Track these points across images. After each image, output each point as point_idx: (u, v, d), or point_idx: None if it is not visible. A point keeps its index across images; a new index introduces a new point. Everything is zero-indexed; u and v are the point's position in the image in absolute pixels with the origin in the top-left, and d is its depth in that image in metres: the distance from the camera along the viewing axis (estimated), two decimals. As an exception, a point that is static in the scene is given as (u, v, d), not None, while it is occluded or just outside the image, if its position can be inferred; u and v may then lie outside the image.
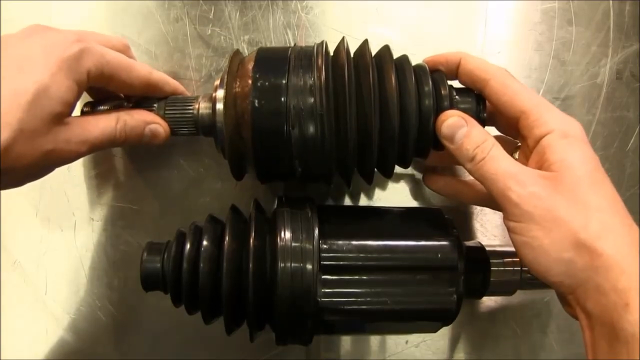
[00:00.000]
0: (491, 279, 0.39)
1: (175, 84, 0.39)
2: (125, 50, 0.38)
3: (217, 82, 0.35)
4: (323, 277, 0.34)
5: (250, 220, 0.36)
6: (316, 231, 0.35)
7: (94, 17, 0.43)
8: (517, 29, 0.45)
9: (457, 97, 0.36)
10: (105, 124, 0.35)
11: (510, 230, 0.32)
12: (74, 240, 0.44)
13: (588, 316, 0.30)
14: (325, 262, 0.34)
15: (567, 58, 0.45)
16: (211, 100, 0.36)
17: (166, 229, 0.40)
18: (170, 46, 0.43)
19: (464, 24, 0.45)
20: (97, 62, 0.33)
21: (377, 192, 0.45)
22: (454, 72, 0.36)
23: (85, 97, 0.39)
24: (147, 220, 0.44)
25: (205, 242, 0.35)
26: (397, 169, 0.38)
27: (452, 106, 0.35)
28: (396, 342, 0.46)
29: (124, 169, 0.44)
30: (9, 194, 0.43)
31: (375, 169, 0.37)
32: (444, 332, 0.46)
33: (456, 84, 0.37)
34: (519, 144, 0.36)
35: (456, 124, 0.34)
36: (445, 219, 0.39)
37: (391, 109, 0.34)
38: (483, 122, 0.36)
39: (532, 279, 0.40)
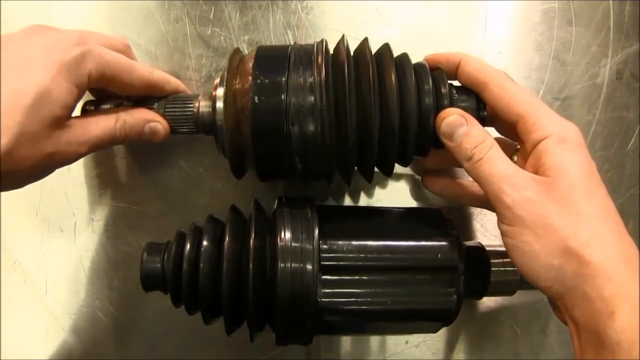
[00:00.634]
0: (491, 279, 0.39)
1: (176, 83, 0.39)
2: (125, 50, 0.38)
3: (217, 81, 0.35)
4: (323, 277, 0.34)
5: (250, 221, 0.36)
6: (316, 231, 0.35)
7: (94, 17, 0.43)
8: (517, 29, 0.45)
9: (457, 95, 0.36)
10: (105, 123, 0.35)
11: (502, 233, 0.32)
12: (74, 240, 0.44)
13: (575, 323, 0.30)
14: (325, 263, 0.34)
15: (567, 58, 0.45)
16: (211, 98, 0.36)
17: (166, 229, 0.40)
18: (170, 46, 0.43)
19: (464, 24, 0.45)
20: (98, 65, 0.33)
21: (377, 192, 0.45)
22: (454, 72, 0.36)
23: (87, 97, 0.39)
24: (147, 221, 0.44)
25: (205, 243, 0.35)
26: (397, 169, 0.38)
27: (452, 104, 0.35)
28: (396, 342, 0.46)
29: (124, 169, 0.44)
30: (9, 194, 0.43)
31: (376, 168, 0.37)
32: (444, 333, 0.46)
33: (456, 82, 0.37)
34: (519, 146, 0.36)
35: (456, 122, 0.34)
36: (445, 219, 0.39)
37: (391, 105, 0.34)
38: (483, 121, 0.36)
39: (532, 279, 0.40)
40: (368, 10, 0.44)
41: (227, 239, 0.35)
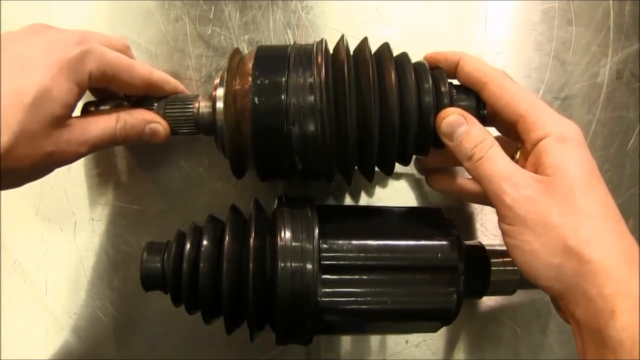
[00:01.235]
0: (491, 279, 0.39)
1: (175, 83, 0.39)
2: (125, 50, 0.38)
3: (217, 81, 0.35)
4: (323, 276, 0.34)
5: (251, 220, 0.36)
6: (316, 231, 0.35)
7: (94, 17, 0.43)
8: (517, 29, 0.45)
9: (456, 94, 0.36)
10: (105, 123, 0.35)
11: (503, 232, 0.32)
12: (74, 240, 0.44)
13: (577, 322, 0.30)
14: (325, 262, 0.34)
15: (567, 58, 0.45)
16: (211, 98, 0.36)
17: (166, 228, 0.40)
18: (170, 46, 0.43)
19: (464, 24, 0.45)
20: (98, 64, 0.33)
21: (378, 191, 0.45)
22: (453, 71, 0.36)
23: (87, 97, 0.39)
24: (147, 220, 0.44)
25: (205, 242, 0.35)
26: (398, 168, 0.38)
27: (452, 103, 0.35)
28: (396, 342, 0.46)
29: (124, 169, 0.44)
30: (9, 194, 0.43)
31: (376, 167, 0.37)
32: (444, 332, 0.46)
33: (456, 81, 0.37)
34: (519, 146, 0.36)
35: (456, 122, 0.34)
36: (445, 219, 0.39)
37: (391, 104, 0.34)
38: (483, 120, 0.36)
39: (532, 279, 0.40)
40: (368, 10, 0.44)
41: (227, 238, 0.35)
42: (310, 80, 0.33)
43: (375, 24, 0.44)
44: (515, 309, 0.46)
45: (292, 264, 0.34)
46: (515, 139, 0.37)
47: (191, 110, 0.37)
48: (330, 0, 0.44)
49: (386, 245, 0.36)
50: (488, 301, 0.46)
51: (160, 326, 0.44)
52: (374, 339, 0.46)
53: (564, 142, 0.31)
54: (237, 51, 0.37)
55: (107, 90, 0.37)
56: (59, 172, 0.43)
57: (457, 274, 0.36)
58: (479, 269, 0.39)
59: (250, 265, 0.34)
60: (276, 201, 0.38)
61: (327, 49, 0.35)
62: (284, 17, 0.43)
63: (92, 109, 0.37)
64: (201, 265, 0.35)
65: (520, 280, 0.39)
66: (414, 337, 0.46)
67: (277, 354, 0.45)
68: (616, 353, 0.27)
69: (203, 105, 0.37)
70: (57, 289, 0.44)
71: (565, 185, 0.30)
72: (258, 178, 0.37)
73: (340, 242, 0.36)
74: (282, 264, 0.34)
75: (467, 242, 0.40)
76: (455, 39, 0.45)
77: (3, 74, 0.30)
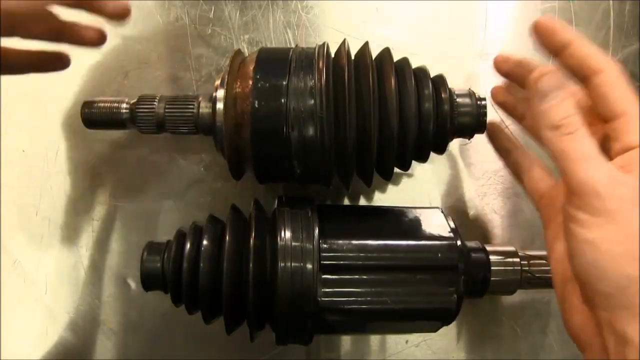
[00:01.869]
0: (491, 278, 0.39)
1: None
2: None
3: (218, 82, 0.35)
4: (323, 276, 0.34)
5: (251, 220, 0.36)
6: (316, 231, 0.35)
7: (93, 17, 0.43)
8: (517, 29, 0.45)
9: (457, 99, 0.36)
10: None
11: (575, 220, 0.28)
12: (74, 239, 0.44)
13: (623, 341, 0.27)
14: (325, 262, 0.34)
15: (567, 58, 0.45)
16: (211, 100, 0.36)
17: (166, 228, 0.40)
18: (170, 46, 0.43)
19: (464, 24, 0.45)
20: None
21: (377, 195, 0.45)
22: (557, 50, 0.33)
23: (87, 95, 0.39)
24: (147, 220, 0.44)
25: (205, 242, 0.35)
26: (397, 171, 0.38)
27: (452, 110, 0.35)
28: (396, 342, 0.45)
29: (124, 168, 0.44)
30: (9, 193, 0.43)
31: (375, 172, 0.37)
32: (444, 332, 0.46)
33: (457, 85, 0.37)
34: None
35: (555, 83, 0.30)
36: (446, 219, 0.39)
37: (390, 110, 0.34)
38: (484, 127, 0.36)
39: (532, 279, 0.40)
40: (368, 10, 0.44)
41: (227, 238, 0.35)
42: (311, 84, 0.33)
43: (375, 24, 0.44)
44: (515, 309, 0.46)
45: (292, 264, 0.34)
46: None
47: (191, 110, 0.37)
48: (330, 0, 0.44)
49: (386, 245, 0.36)
50: (488, 301, 0.46)
51: (160, 326, 0.44)
52: (374, 339, 0.46)
53: None
54: (238, 52, 0.37)
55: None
56: (58, 172, 0.43)
57: (457, 274, 0.36)
58: (479, 269, 0.39)
59: (250, 265, 0.34)
60: (276, 201, 0.38)
61: (328, 54, 0.35)
62: (284, 17, 0.43)
63: (91, 106, 0.38)
64: (201, 265, 0.35)
65: (520, 281, 0.39)
66: (414, 337, 0.46)
67: (277, 354, 0.45)
68: None
69: (203, 106, 0.37)
70: (57, 289, 0.44)
71: None
72: (256, 180, 0.37)
73: (341, 242, 0.36)
74: (282, 264, 0.34)
75: (467, 243, 0.40)
76: (455, 39, 0.45)
77: None
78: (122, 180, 0.44)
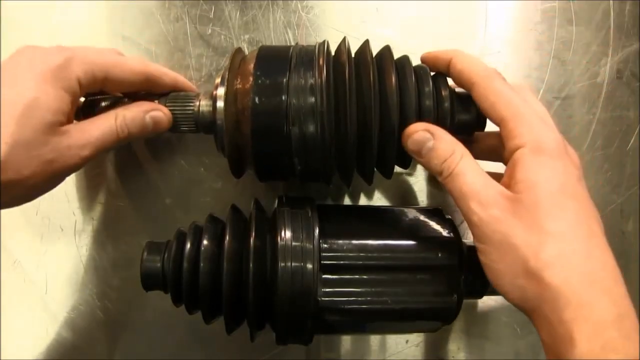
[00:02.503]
0: (491, 278, 0.39)
1: (174, 74, 0.39)
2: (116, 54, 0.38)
3: (218, 80, 0.35)
4: (323, 276, 0.34)
5: (251, 220, 0.36)
6: (316, 230, 0.35)
7: (94, 17, 0.43)
8: (517, 29, 0.45)
9: (457, 97, 0.36)
10: (104, 122, 0.35)
11: (477, 249, 0.32)
12: (74, 240, 0.44)
13: (544, 344, 0.29)
14: (325, 262, 0.34)
15: (567, 57, 0.45)
16: (212, 97, 0.36)
17: (166, 228, 0.40)
18: (170, 46, 0.43)
19: (464, 24, 0.45)
20: (84, 66, 0.33)
21: (377, 193, 0.45)
22: (447, 70, 0.35)
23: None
24: (147, 220, 0.44)
25: (205, 242, 0.35)
26: (397, 170, 0.38)
27: (452, 107, 0.35)
28: (396, 342, 0.45)
29: (124, 168, 0.44)
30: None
31: (376, 170, 0.37)
32: (444, 332, 0.46)
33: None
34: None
35: (421, 139, 0.33)
36: (445, 219, 0.39)
37: (391, 107, 0.34)
38: (483, 124, 0.36)
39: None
40: (368, 10, 0.44)
41: (227, 238, 0.35)
42: (311, 81, 0.33)
43: (375, 24, 0.44)
44: (515, 309, 0.46)
45: (292, 264, 0.34)
46: None
47: (192, 108, 0.37)
48: (330, 0, 0.44)
49: (386, 245, 0.36)
50: (488, 301, 0.46)
51: (160, 326, 0.44)
52: (374, 339, 0.46)
53: (538, 155, 0.30)
54: (238, 50, 0.37)
55: (106, 92, 0.37)
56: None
57: (457, 274, 0.36)
58: (479, 269, 0.39)
59: (250, 265, 0.34)
60: (276, 201, 0.38)
61: (328, 51, 0.35)
62: (284, 17, 0.43)
63: (91, 104, 0.38)
64: (201, 264, 0.35)
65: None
66: (414, 337, 0.46)
67: (277, 354, 0.45)
68: None
69: (204, 104, 0.37)
70: (57, 289, 0.44)
71: (531, 204, 0.29)
72: (257, 178, 0.37)
73: (341, 241, 0.36)
74: (282, 264, 0.34)
75: (467, 243, 0.40)
76: (455, 39, 0.45)
77: None
78: (122, 180, 0.44)
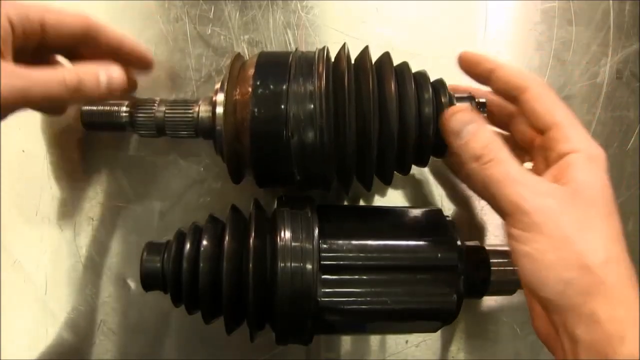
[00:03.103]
0: (491, 279, 0.39)
1: (120, 32, 0.37)
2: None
3: (218, 86, 0.35)
4: (323, 276, 0.34)
5: (250, 220, 0.36)
6: (316, 231, 0.35)
7: (93, 17, 0.43)
8: (517, 29, 0.45)
9: (457, 104, 0.36)
10: (52, 69, 0.33)
11: (512, 237, 0.31)
12: (74, 240, 0.44)
13: (574, 342, 0.29)
14: (325, 262, 0.34)
15: (567, 58, 0.45)
16: (211, 103, 0.36)
17: (166, 228, 0.40)
18: (170, 46, 0.43)
19: (464, 24, 0.45)
20: (18, 8, 0.32)
21: (376, 198, 0.45)
22: (485, 77, 0.36)
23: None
24: (147, 220, 0.44)
25: (205, 242, 0.35)
26: (396, 175, 0.38)
27: None
28: (396, 342, 0.45)
29: (124, 168, 0.44)
30: (9, 193, 0.43)
31: (375, 176, 0.37)
32: (444, 332, 0.46)
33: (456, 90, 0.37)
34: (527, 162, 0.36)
35: (465, 119, 0.33)
36: (445, 219, 0.39)
37: (390, 114, 0.34)
38: None
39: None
40: (368, 10, 0.44)
41: (227, 238, 0.35)
42: (311, 89, 0.33)
43: (375, 24, 0.44)
44: (515, 309, 0.46)
45: (292, 264, 0.34)
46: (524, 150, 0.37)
47: (191, 114, 0.37)
48: (330, 0, 0.44)
49: (386, 245, 0.36)
50: (488, 301, 0.46)
51: (160, 326, 0.44)
52: (374, 339, 0.46)
53: (592, 162, 0.31)
54: (238, 57, 0.37)
55: (49, 47, 0.35)
56: (58, 172, 0.43)
57: (457, 274, 0.36)
58: (479, 269, 0.39)
59: (250, 265, 0.34)
60: (276, 201, 0.38)
61: (328, 58, 0.35)
62: (283, 17, 0.43)
63: (89, 110, 0.38)
64: (201, 265, 0.35)
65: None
66: (414, 337, 0.46)
67: (277, 354, 0.45)
68: None
69: (203, 110, 0.37)
70: (57, 289, 0.44)
71: (589, 202, 0.30)
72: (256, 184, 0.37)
73: (340, 242, 0.36)
74: (282, 264, 0.34)
75: (467, 243, 0.40)
76: (455, 39, 0.45)
77: None
78: (122, 181, 0.44)
